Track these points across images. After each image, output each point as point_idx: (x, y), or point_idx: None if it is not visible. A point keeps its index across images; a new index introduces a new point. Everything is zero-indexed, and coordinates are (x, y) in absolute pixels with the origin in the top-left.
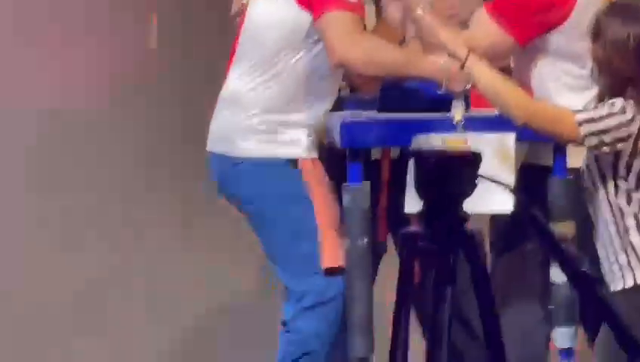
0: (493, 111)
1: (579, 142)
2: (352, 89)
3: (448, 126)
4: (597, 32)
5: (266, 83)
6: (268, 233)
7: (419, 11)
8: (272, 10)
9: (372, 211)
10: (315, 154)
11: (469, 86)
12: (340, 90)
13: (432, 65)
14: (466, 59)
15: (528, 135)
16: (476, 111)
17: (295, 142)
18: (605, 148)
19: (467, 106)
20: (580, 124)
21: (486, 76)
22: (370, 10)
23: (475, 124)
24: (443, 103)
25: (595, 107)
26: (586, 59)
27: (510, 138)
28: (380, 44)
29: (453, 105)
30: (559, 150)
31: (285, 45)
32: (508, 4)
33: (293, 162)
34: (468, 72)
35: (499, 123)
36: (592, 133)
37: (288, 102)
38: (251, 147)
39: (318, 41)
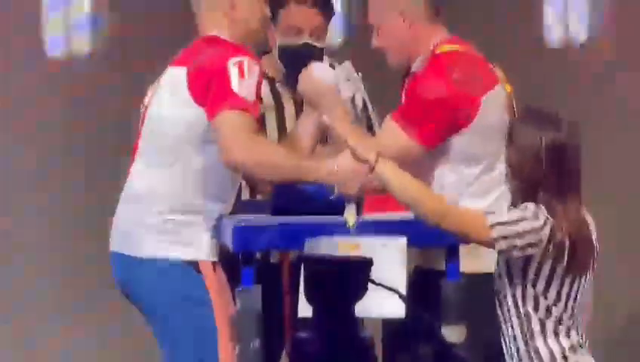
0: (386, 216)
1: (489, 244)
2: (252, 188)
3: (341, 229)
4: (510, 136)
5: (166, 181)
6: (168, 334)
7: (325, 118)
8: (171, 107)
9: (276, 314)
10: (216, 257)
11: (362, 192)
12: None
13: (324, 170)
14: (376, 162)
15: (420, 240)
16: (369, 215)
17: (197, 244)
18: (516, 253)
19: (360, 210)
20: (492, 226)
21: (396, 178)
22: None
23: (367, 227)
24: (337, 207)
25: (508, 210)
26: (488, 162)
27: (402, 242)
28: (272, 147)
29: (346, 209)
30: (451, 254)
31: (183, 143)
32: (413, 110)
33: (194, 264)
34: (378, 174)
35: (391, 227)
36: (503, 237)
37: (189, 200)
38: (152, 247)
39: (214, 139)
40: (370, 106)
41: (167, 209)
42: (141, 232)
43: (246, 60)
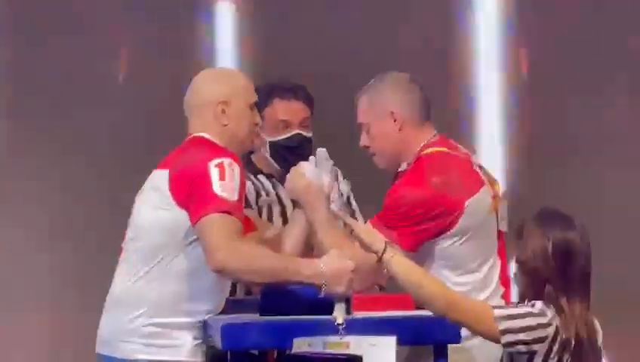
0: (376, 314)
1: (496, 338)
2: (247, 286)
3: (330, 328)
4: (520, 234)
5: (148, 284)
6: None
7: (333, 206)
8: (151, 212)
9: None
10: (199, 358)
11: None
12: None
13: (311, 270)
14: (384, 252)
15: (409, 338)
16: (359, 314)
17: (179, 346)
18: (521, 347)
19: (349, 309)
20: (498, 320)
21: (404, 268)
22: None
23: (357, 326)
24: (326, 306)
25: (515, 305)
26: (472, 264)
27: (392, 341)
28: (259, 251)
29: (335, 308)
30: (439, 353)
31: (165, 246)
32: (393, 216)
33: None
34: (385, 264)
35: (380, 326)
36: (510, 331)
37: (173, 303)
38: (135, 349)
39: (197, 242)
40: (350, 199)
41: (148, 313)
42: (123, 336)
43: (226, 161)
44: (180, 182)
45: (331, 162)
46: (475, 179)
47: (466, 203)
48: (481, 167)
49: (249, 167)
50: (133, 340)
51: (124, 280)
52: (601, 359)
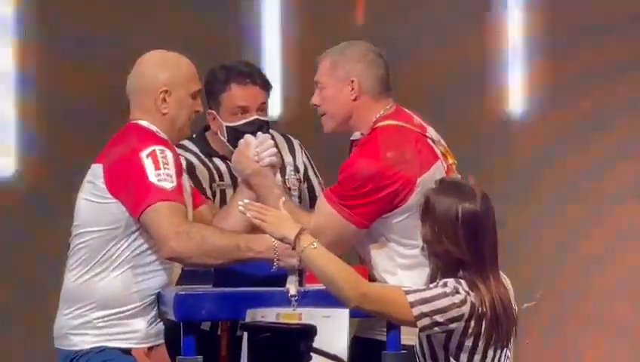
0: None
1: (411, 323)
2: None
3: (283, 300)
4: (426, 211)
5: (96, 277)
6: None
7: (240, 206)
8: (90, 206)
9: None
10: (154, 341)
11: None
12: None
13: (262, 246)
14: (295, 242)
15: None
16: (311, 286)
17: (131, 332)
18: (437, 329)
19: (302, 281)
20: (413, 305)
21: (316, 258)
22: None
23: (309, 298)
24: (279, 278)
25: (428, 287)
26: (418, 239)
27: (344, 314)
28: (208, 232)
29: (288, 280)
30: (392, 325)
31: (107, 238)
32: (347, 192)
33: (127, 351)
34: (298, 253)
35: (334, 298)
36: (425, 314)
37: (122, 292)
38: (87, 340)
39: (138, 231)
40: (308, 171)
41: (98, 306)
42: (75, 329)
43: (157, 149)
44: (114, 176)
45: (271, 142)
46: (429, 153)
47: (418, 180)
48: (434, 140)
49: (204, 146)
50: (85, 332)
51: (72, 275)
52: (515, 322)
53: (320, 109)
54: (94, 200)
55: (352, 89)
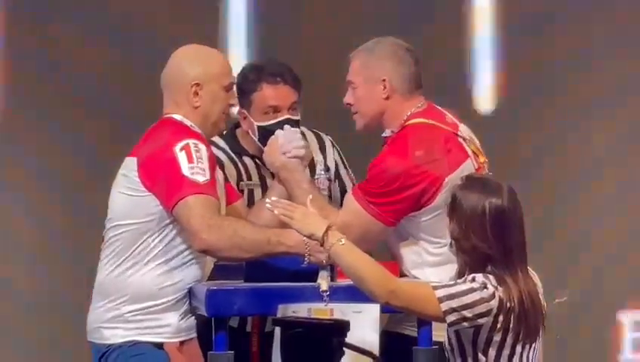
0: None
1: (440, 318)
2: None
3: (314, 295)
4: (453, 207)
5: (129, 271)
6: None
7: (267, 204)
8: (124, 199)
9: None
10: (186, 336)
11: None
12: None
13: (293, 241)
14: (323, 239)
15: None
16: (343, 281)
17: (163, 327)
18: (465, 324)
19: (333, 276)
20: (441, 300)
21: (344, 254)
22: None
23: (341, 294)
24: (309, 274)
25: (456, 283)
26: (446, 237)
27: (375, 309)
28: (240, 226)
29: (320, 275)
30: (424, 321)
31: (141, 231)
32: (375, 189)
33: (159, 345)
34: (326, 250)
35: (364, 293)
36: (454, 309)
37: (154, 286)
38: (119, 334)
39: (172, 225)
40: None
41: (130, 300)
42: (108, 323)
43: (190, 143)
44: (148, 169)
45: (299, 135)
46: (458, 152)
47: (446, 179)
48: (465, 139)
49: (234, 144)
50: (117, 326)
51: (106, 268)
52: (543, 316)
53: (352, 108)
54: (128, 194)
55: (384, 88)
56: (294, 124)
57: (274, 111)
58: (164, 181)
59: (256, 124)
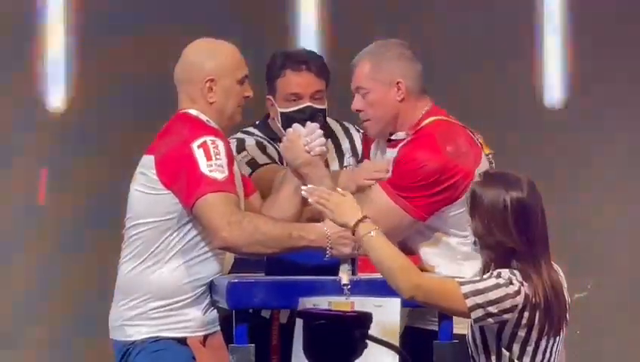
0: (381, 276)
1: (465, 314)
2: None
3: (335, 289)
4: (474, 205)
5: (150, 268)
6: None
7: (303, 190)
8: (143, 197)
9: None
10: (209, 329)
11: (355, 251)
12: None
13: (315, 235)
14: (355, 228)
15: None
16: (364, 275)
17: (186, 322)
18: (491, 320)
19: (354, 270)
20: (467, 296)
21: (374, 246)
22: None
23: (362, 287)
24: (330, 268)
25: (482, 278)
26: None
27: (396, 303)
28: (260, 222)
29: (341, 269)
30: (445, 315)
31: (161, 229)
32: (406, 184)
33: (181, 340)
34: (357, 240)
35: (385, 287)
36: (479, 305)
37: (175, 282)
38: (143, 331)
39: (192, 222)
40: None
41: (153, 297)
42: (131, 321)
43: (208, 140)
44: (166, 167)
45: (320, 131)
46: (477, 146)
47: (476, 171)
48: (474, 133)
49: (268, 132)
50: (140, 323)
51: (126, 266)
52: (567, 310)
53: (363, 115)
54: (147, 192)
55: (399, 90)
56: (318, 112)
57: (296, 98)
58: (183, 179)
59: (279, 110)
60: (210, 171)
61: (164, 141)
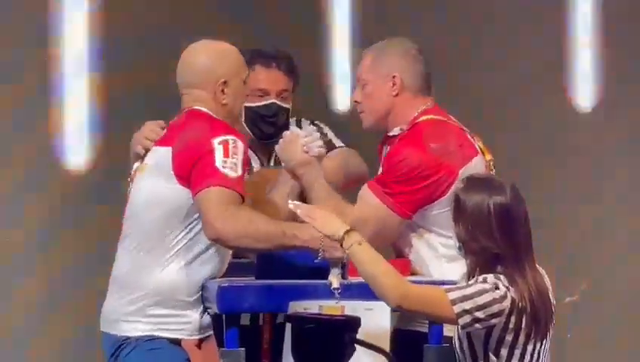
0: None
1: (453, 321)
2: None
3: (325, 292)
4: (458, 210)
5: (151, 264)
6: None
7: (290, 204)
8: (153, 189)
9: None
10: (205, 333)
11: (345, 255)
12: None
13: (308, 235)
14: (343, 239)
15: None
16: (354, 279)
17: (184, 324)
18: (478, 325)
19: (345, 274)
20: (454, 302)
21: (360, 256)
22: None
23: (352, 291)
24: (321, 271)
25: (468, 284)
26: None
27: (386, 306)
28: (254, 216)
29: (331, 273)
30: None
31: (166, 224)
32: (391, 181)
33: (176, 341)
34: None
35: None
36: (466, 311)
37: (176, 281)
38: (139, 328)
39: (198, 219)
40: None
41: (151, 294)
42: (127, 316)
43: (230, 139)
44: (184, 160)
45: (318, 134)
46: (470, 147)
47: (460, 171)
48: (474, 136)
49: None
50: (138, 319)
51: (127, 259)
52: (553, 311)
53: (360, 106)
54: (158, 184)
55: (394, 85)
56: (282, 110)
57: (263, 94)
58: (197, 169)
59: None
60: (224, 167)
61: (183, 135)
